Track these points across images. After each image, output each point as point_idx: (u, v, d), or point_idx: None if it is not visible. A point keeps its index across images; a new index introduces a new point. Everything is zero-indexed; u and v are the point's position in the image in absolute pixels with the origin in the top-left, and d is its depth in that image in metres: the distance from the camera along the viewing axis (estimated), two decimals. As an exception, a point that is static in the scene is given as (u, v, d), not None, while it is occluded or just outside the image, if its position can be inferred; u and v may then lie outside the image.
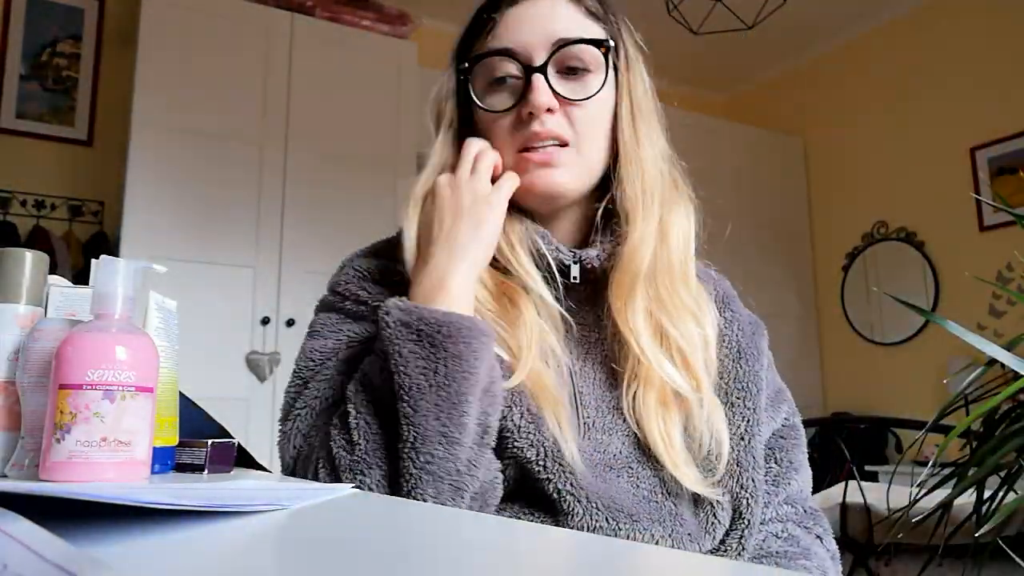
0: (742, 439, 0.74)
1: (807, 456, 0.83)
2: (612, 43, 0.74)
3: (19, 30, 3.00)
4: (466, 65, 0.75)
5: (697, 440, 0.71)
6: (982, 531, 0.88)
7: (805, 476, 0.82)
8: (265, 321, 2.71)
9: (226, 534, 0.34)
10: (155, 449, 0.59)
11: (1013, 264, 3.18)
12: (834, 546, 0.79)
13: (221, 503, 0.38)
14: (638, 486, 0.69)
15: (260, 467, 0.77)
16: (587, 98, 0.73)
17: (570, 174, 0.73)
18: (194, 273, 2.60)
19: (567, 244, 0.76)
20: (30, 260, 0.60)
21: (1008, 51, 3.36)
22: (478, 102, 0.75)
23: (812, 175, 4.26)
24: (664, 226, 0.74)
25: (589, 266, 0.74)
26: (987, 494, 1.03)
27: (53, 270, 0.64)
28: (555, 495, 0.65)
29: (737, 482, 0.72)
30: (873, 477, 3.25)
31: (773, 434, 0.81)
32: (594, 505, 0.65)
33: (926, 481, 1.00)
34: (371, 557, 0.30)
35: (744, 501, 0.72)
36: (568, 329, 0.74)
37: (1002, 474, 0.99)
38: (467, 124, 0.79)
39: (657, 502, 0.69)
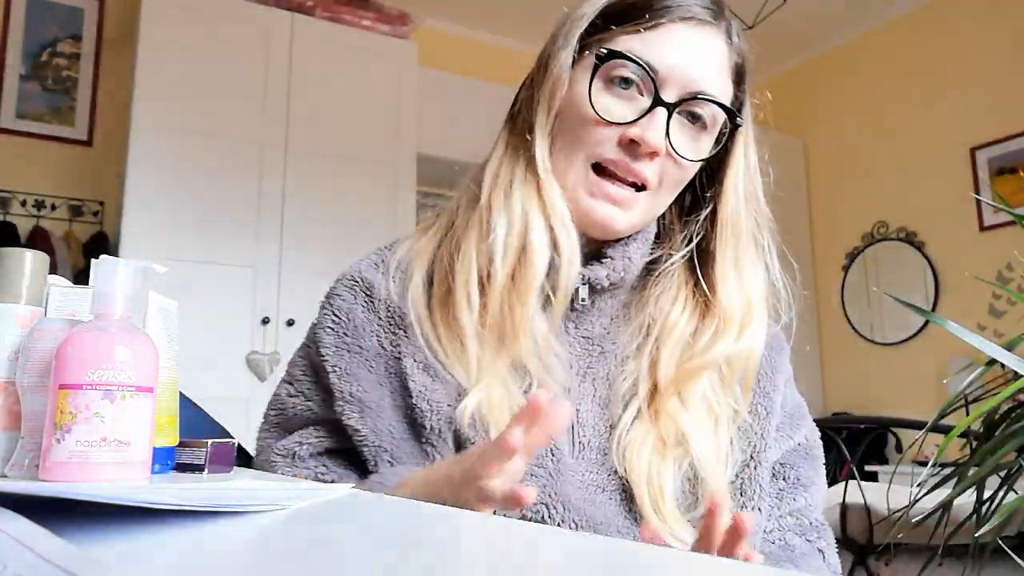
0: (746, 466, 0.70)
1: (822, 473, 0.79)
2: (740, 121, 0.72)
3: (19, 30, 3.00)
4: (605, 51, 0.68)
5: (693, 486, 0.67)
6: (982, 531, 0.88)
7: (815, 493, 0.78)
8: (265, 321, 2.71)
9: (226, 534, 0.34)
10: (155, 449, 0.59)
11: (1013, 264, 3.18)
12: (836, 560, 0.76)
13: (221, 503, 0.38)
14: (631, 509, 0.67)
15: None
16: (692, 160, 0.70)
17: (631, 220, 0.70)
18: (194, 273, 2.60)
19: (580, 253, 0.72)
20: (30, 260, 0.60)
21: (1008, 51, 3.36)
22: (591, 99, 0.68)
23: (812, 175, 4.26)
24: (757, 339, 0.72)
25: (598, 286, 0.71)
26: (987, 494, 1.03)
27: (53, 270, 0.64)
28: (538, 519, 0.63)
29: (743, 511, 0.68)
30: (873, 477, 3.25)
31: (785, 452, 0.77)
32: (578, 527, 0.63)
33: (926, 481, 1.00)
34: (371, 557, 0.30)
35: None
36: (568, 345, 0.71)
37: (1002, 474, 0.99)
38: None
39: None
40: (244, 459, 0.77)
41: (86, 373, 0.50)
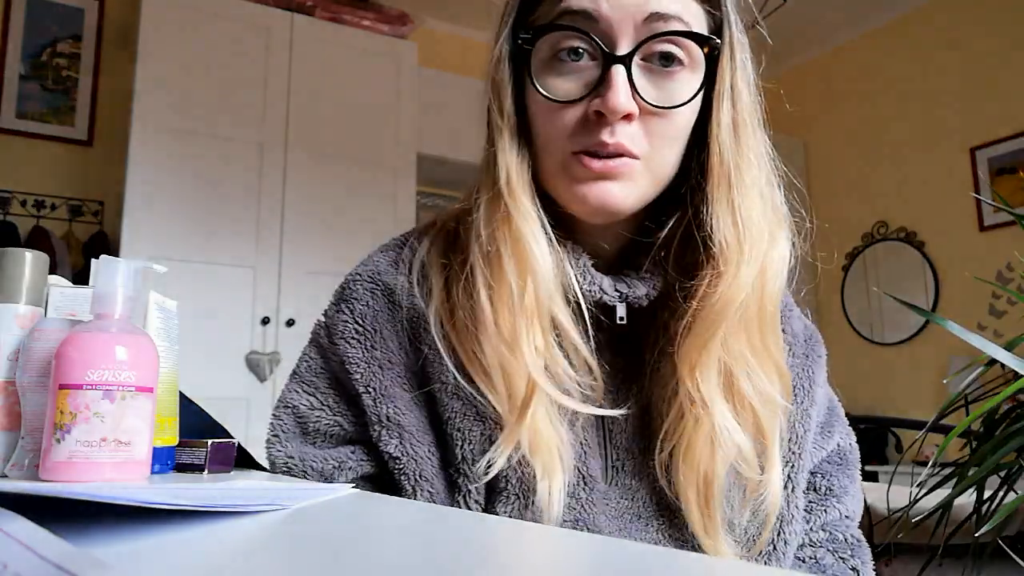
0: (784, 487, 0.65)
1: (857, 480, 0.74)
2: (718, 41, 0.59)
3: (19, 30, 3.00)
4: (528, 34, 0.58)
5: (741, 518, 0.61)
6: (982, 531, 0.88)
7: (850, 503, 0.72)
8: (265, 321, 2.71)
9: (226, 534, 0.34)
10: (155, 449, 0.59)
11: (1013, 264, 3.18)
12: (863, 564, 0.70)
13: (221, 503, 0.38)
14: (667, 535, 0.62)
15: (260, 467, 0.77)
16: (674, 107, 0.58)
17: (633, 190, 0.59)
18: (194, 273, 2.61)
19: (604, 266, 0.64)
20: (30, 260, 0.60)
21: (1008, 51, 3.36)
22: (537, 86, 0.58)
23: (812, 175, 4.26)
24: (765, 267, 0.60)
25: (636, 307, 0.63)
26: (987, 494, 1.03)
27: (53, 270, 0.64)
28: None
29: (779, 536, 0.64)
30: (873, 477, 3.25)
31: (820, 460, 0.72)
32: None
33: (926, 481, 1.00)
34: (371, 557, 0.30)
35: (780, 554, 0.64)
36: (600, 368, 0.62)
37: (1002, 474, 0.99)
38: (522, 110, 0.62)
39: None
40: (244, 459, 0.76)
41: (86, 373, 0.50)
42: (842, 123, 4.09)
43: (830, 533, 0.70)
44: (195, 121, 2.71)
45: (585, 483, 0.61)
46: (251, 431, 2.57)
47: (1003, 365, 0.89)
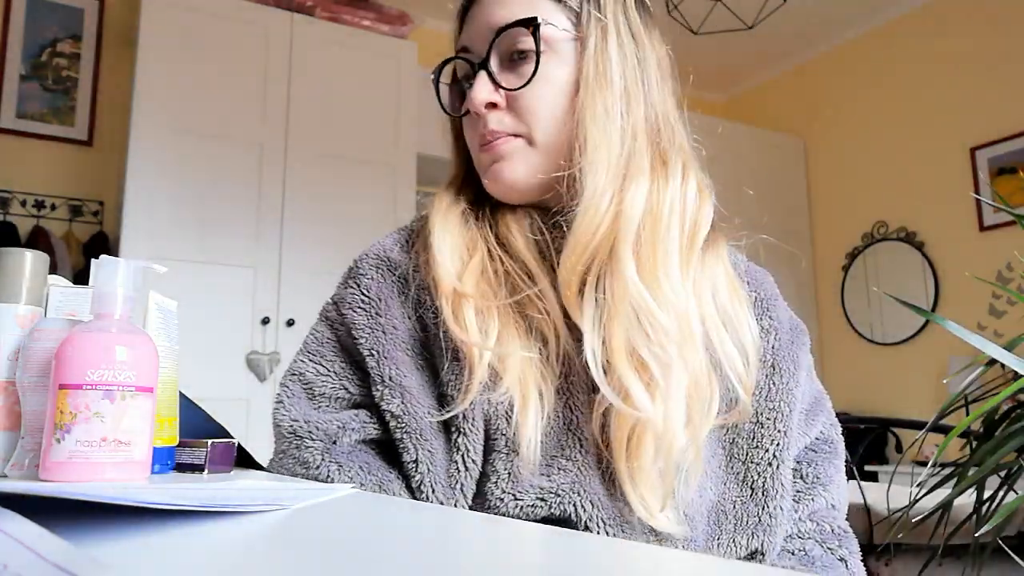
0: (769, 465, 0.67)
1: (842, 470, 0.76)
2: (541, 20, 0.67)
3: (19, 30, 3.00)
4: (437, 71, 0.75)
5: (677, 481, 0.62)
6: (982, 531, 0.88)
7: (836, 492, 0.74)
8: (265, 321, 2.71)
9: (226, 534, 0.34)
10: (155, 449, 0.59)
11: (1013, 264, 3.18)
12: (860, 570, 0.72)
13: (221, 503, 0.38)
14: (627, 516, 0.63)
15: (260, 467, 0.77)
16: (522, 86, 0.68)
17: (522, 165, 0.69)
18: (194, 273, 2.61)
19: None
20: (30, 260, 0.60)
21: (1008, 51, 3.36)
22: (443, 107, 0.75)
23: (812, 175, 4.26)
24: (621, 200, 0.64)
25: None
26: (987, 494, 1.03)
27: (53, 270, 0.64)
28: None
29: (764, 510, 0.66)
30: (873, 477, 3.25)
31: (804, 448, 0.74)
32: (605, 525, 0.61)
33: (926, 481, 1.00)
34: (371, 557, 0.30)
35: (766, 527, 0.66)
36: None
37: (1002, 474, 0.99)
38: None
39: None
40: (244, 459, 0.76)
41: (86, 373, 0.50)
42: (842, 123, 4.09)
43: (818, 524, 0.72)
44: (195, 121, 2.71)
45: (581, 445, 0.63)
46: (251, 431, 2.57)
47: (1003, 365, 0.89)
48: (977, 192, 3.40)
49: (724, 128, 4.13)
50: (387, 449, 0.66)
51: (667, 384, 0.61)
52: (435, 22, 3.44)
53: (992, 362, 0.95)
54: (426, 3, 3.38)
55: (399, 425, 0.64)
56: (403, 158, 3.09)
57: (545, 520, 0.61)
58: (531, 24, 0.67)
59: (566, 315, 0.65)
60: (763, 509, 0.66)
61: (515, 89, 0.68)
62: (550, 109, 0.68)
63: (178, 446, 0.68)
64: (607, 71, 0.68)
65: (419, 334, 0.68)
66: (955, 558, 1.50)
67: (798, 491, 0.72)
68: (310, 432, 0.65)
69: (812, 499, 0.72)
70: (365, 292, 0.69)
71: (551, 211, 0.70)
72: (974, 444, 1.03)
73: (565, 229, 0.66)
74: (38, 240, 2.79)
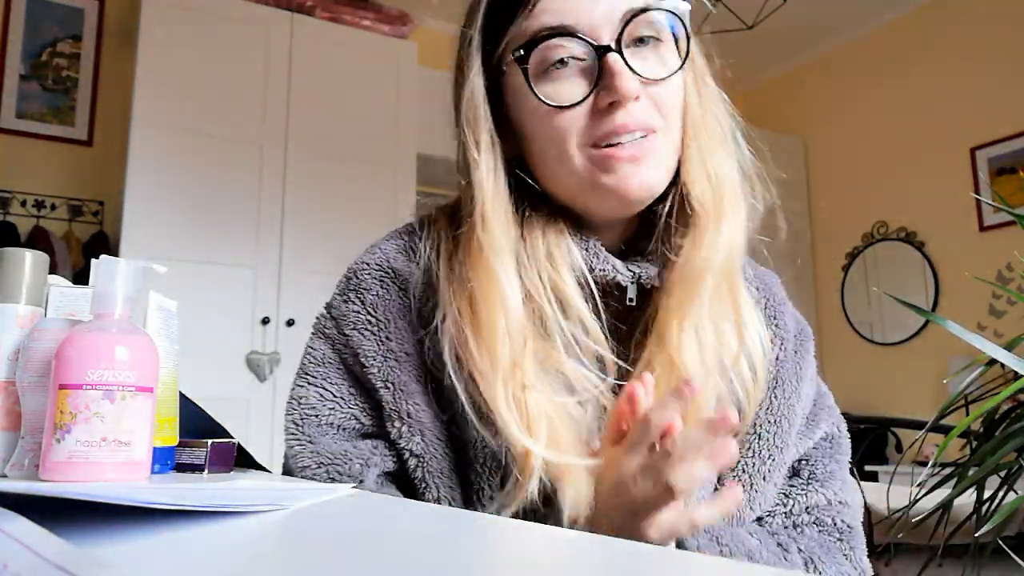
0: (764, 479, 0.66)
1: (845, 468, 0.73)
2: (679, 8, 0.62)
3: (19, 30, 3.00)
4: (521, 52, 0.60)
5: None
6: (982, 531, 0.88)
7: (837, 488, 0.70)
8: (265, 321, 2.71)
9: (226, 534, 0.34)
10: (155, 449, 0.59)
11: (1013, 264, 3.18)
12: (866, 567, 0.67)
13: (221, 503, 0.38)
14: None
15: (260, 467, 0.77)
16: (671, 75, 0.61)
17: (662, 167, 0.61)
18: (194, 273, 2.60)
19: (613, 253, 0.65)
20: (30, 260, 0.60)
21: (1008, 51, 3.36)
22: (538, 95, 0.60)
23: (812, 175, 4.26)
24: (730, 232, 0.62)
25: (648, 286, 0.64)
26: (987, 494, 1.03)
27: (53, 270, 0.64)
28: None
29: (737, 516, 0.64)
30: (873, 477, 3.25)
31: (806, 450, 0.71)
32: None
33: (926, 481, 1.00)
34: (371, 557, 0.30)
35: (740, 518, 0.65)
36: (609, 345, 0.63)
37: (1002, 474, 0.99)
38: (504, 133, 0.65)
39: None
40: (244, 459, 0.76)
41: (86, 373, 0.50)
42: (842, 123, 4.09)
43: (816, 517, 0.68)
44: (195, 121, 2.71)
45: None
46: (251, 431, 2.57)
47: (1003, 365, 0.89)
48: (977, 192, 3.40)
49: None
50: (401, 480, 0.64)
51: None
52: (435, 22, 3.44)
53: (992, 362, 0.95)
54: (426, 3, 3.38)
55: (420, 464, 0.61)
56: (403, 158, 3.09)
57: None
58: (676, 12, 0.61)
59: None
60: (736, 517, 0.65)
61: (660, 79, 0.60)
62: (680, 105, 0.63)
63: (178, 446, 0.68)
64: (706, 70, 0.66)
65: (426, 355, 0.63)
66: (955, 558, 1.50)
67: (791, 486, 0.69)
68: (337, 468, 0.61)
69: (806, 495, 0.69)
70: (371, 311, 0.64)
71: (587, 223, 0.65)
72: (974, 444, 1.03)
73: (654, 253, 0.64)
74: (38, 240, 2.79)
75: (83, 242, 2.92)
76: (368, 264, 0.68)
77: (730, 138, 0.66)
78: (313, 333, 0.69)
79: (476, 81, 0.64)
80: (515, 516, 0.59)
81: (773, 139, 4.23)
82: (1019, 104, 3.31)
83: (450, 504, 0.60)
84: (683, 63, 0.62)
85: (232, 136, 2.78)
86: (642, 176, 0.60)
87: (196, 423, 0.74)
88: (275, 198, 2.82)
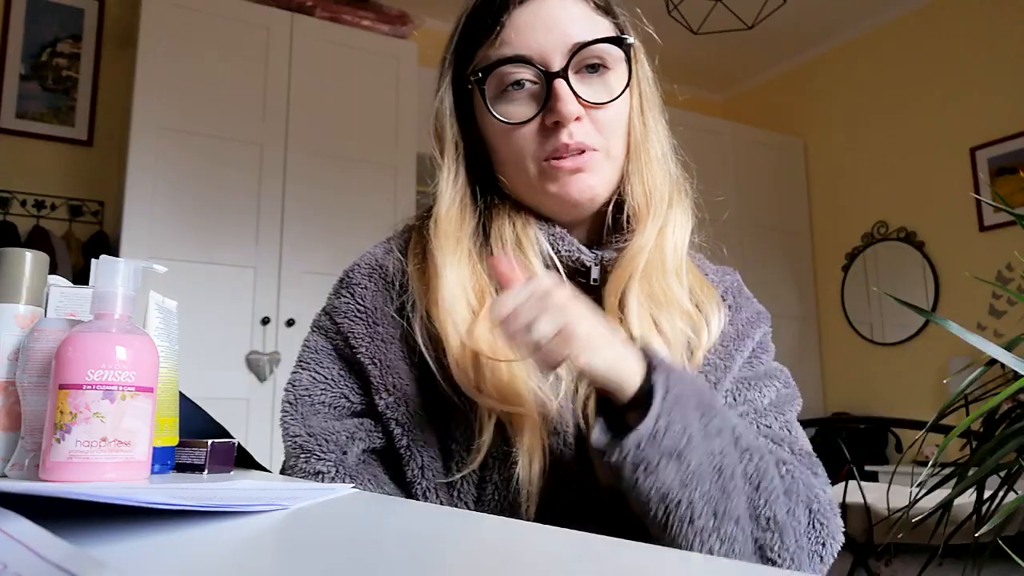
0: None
1: (795, 411, 0.76)
2: (631, 39, 0.71)
3: (19, 30, 3.00)
4: (480, 75, 0.70)
5: None
6: (982, 531, 0.88)
7: (784, 421, 0.73)
8: (265, 321, 2.71)
9: (226, 534, 0.34)
10: (155, 449, 0.59)
11: (1013, 264, 3.18)
12: (829, 494, 0.69)
13: (221, 503, 0.38)
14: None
15: (260, 467, 0.77)
16: (612, 100, 0.70)
17: (601, 178, 0.71)
18: (194, 273, 2.61)
19: (585, 239, 0.74)
20: (30, 260, 0.60)
21: (1008, 51, 3.37)
22: (494, 113, 0.70)
23: (812, 175, 4.26)
24: (665, 226, 0.72)
25: (609, 268, 0.72)
26: (987, 494, 1.03)
27: (53, 270, 0.64)
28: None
29: None
30: (873, 477, 3.25)
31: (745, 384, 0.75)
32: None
33: (926, 481, 1.00)
34: (371, 557, 0.30)
35: None
36: None
37: (1002, 474, 0.99)
38: (472, 144, 0.75)
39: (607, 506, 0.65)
40: (244, 459, 0.76)
41: (86, 373, 0.50)
42: (842, 123, 4.09)
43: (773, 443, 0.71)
44: (195, 121, 2.71)
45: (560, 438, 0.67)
46: (251, 431, 2.57)
47: (1003, 365, 0.89)
48: (977, 192, 3.40)
49: (724, 128, 4.13)
50: (386, 461, 0.69)
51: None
52: (435, 22, 3.44)
53: (992, 362, 0.95)
54: (426, 3, 3.38)
55: (405, 433, 0.66)
56: (403, 158, 3.09)
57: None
58: (623, 43, 0.71)
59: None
60: None
61: (602, 103, 0.69)
62: (622, 125, 0.72)
63: (178, 446, 0.68)
64: (650, 91, 0.75)
65: (413, 343, 0.69)
66: (955, 558, 1.50)
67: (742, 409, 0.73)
68: (319, 444, 0.67)
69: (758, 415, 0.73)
70: (360, 301, 0.72)
71: (572, 227, 0.73)
72: (974, 444, 1.03)
73: (602, 249, 0.73)
74: (38, 240, 2.79)
75: (83, 242, 2.92)
76: (359, 264, 0.76)
77: (665, 150, 0.75)
78: (311, 329, 0.76)
79: (445, 97, 0.75)
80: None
81: (773, 139, 4.24)
82: (1019, 104, 3.31)
83: (432, 473, 0.65)
84: (621, 93, 0.71)
85: (232, 136, 2.78)
86: (581, 185, 0.70)
87: (196, 423, 0.74)
88: (275, 198, 2.82)
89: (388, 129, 3.08)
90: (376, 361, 0.69)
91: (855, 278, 3.96)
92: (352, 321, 0.71)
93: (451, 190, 0.73)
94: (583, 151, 0.69)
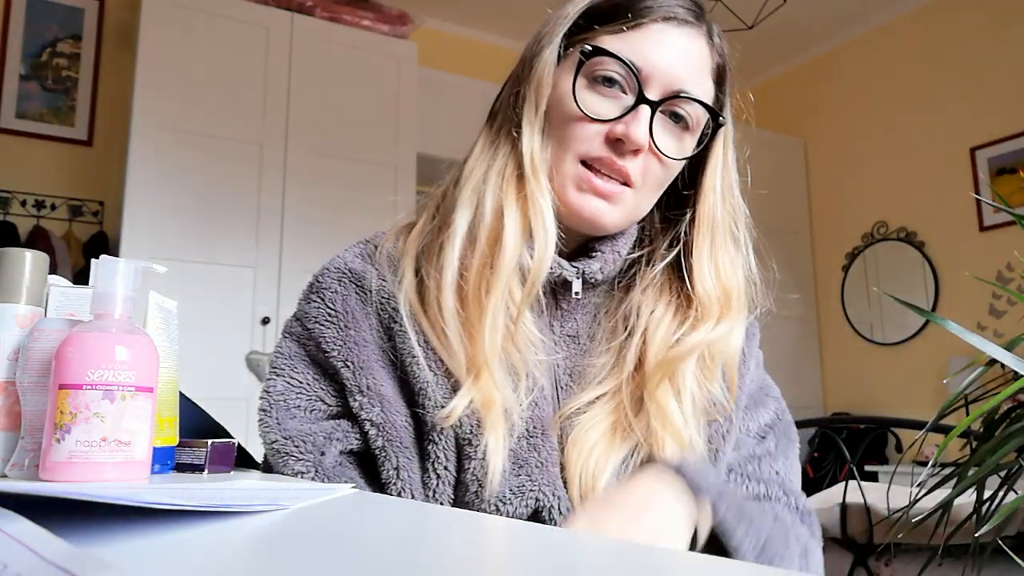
0: (708, 444, 0.71)
1: (796, 452, 0.78)
2: (723, 120, 0.72)
3: (19, 30, 3.00)
4: (589, 48, 0.68)
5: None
6: (982, 531, 0.88)
7: (784, 466, 0.75)
8: (265, 321, 2.71)
9: (226, 534, 0.34)
10: (155, 449, 0.59)
11: (1013, 264, 3.18)
12: (818, 535, 0.72)
13: (221, 503, 0.38)
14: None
15: (260, 467, 0.77)
16: (676, 159, 0.70)
17: (621, 216, 0.70)
18: (194, 273, 2.61)
19: (565, 254, 0.72)
20: (30, 260, 0.60)
21: (1008, 51, 3.36)
22: (575, 97, 0.68)
23: (812, 175, 4.26)
24: (729, 328, 0.72)
25: (592, 279, 0.72)
26: (987, 494, 1.03)
27: (53, 270, 0.64)
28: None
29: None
30: (873, 477, 3.25)
31: (748, 429, 0.77)
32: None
33: (926, 481, 1.00)
34: (371, 557, 0.30)
35: None
36: (553, 344, 0.71)
37: (1002, 474, 0.99)
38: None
39: None
40: (244, 459, 0.76)
41: (86, 373, 0.50)
42: (842, 123, 4.09)
43: (755, 481, 0.73)
44: (195, 121, 2.71)
45: (536, 431, 0.67)
46: (251, 431, 2.56)
47: (1003, 365, 0.89)
48: (977, 192, 3.40)
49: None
50: (364, 463, 0.68)
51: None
52: (435, 22, 3.44)
53: (992, 362, 0.95)
54: (426, 3, 3.38)
55: (380, 433, 0.66)
56: (403, 158, 3.09)
57: (516, 514, 0.64)
58: (717, 118, 0.72)
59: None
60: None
61: (667, 156, 0.69)
62: (665, 182, 0.72)
63: (178, 446, 0.68)
64: (735, 176, 0.77)
65: (385, 343, 0.69)
66: (955, 558, 1.50)
67: (738, 463, 0.74)
68: (296, 446, 0.66)
69: (752, 466, 0.74)
70: (330, 305, 0.72)
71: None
72: (974, 444, 1.03)
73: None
74: (38, 240, 2.79)
75: (83, 242, 2.92)
76: (328, 269, 0.76)
77: (740, 244, 0.76)
78: (282, 336, 0.76)
79: (550, 54, 0.70)
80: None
81: (773, 139, 4.24)
82: (1019, 104, 3.31)
83: (408, 474, 0.65)
84: (683, 157, 0.71)
85: (232, 136, 2.78)
86: (599, 213, 0.69)
87: (196, 423, 0.74)
88: (275, 198, 2.82)
89: (388, 129, 3.08)
90: (349, 363, 0.68)
91: (855, 278, 3.96)
92: (323, 325, 0.71)
93: (539, 153, 0.70)
94: (624, 182, 0.68)
